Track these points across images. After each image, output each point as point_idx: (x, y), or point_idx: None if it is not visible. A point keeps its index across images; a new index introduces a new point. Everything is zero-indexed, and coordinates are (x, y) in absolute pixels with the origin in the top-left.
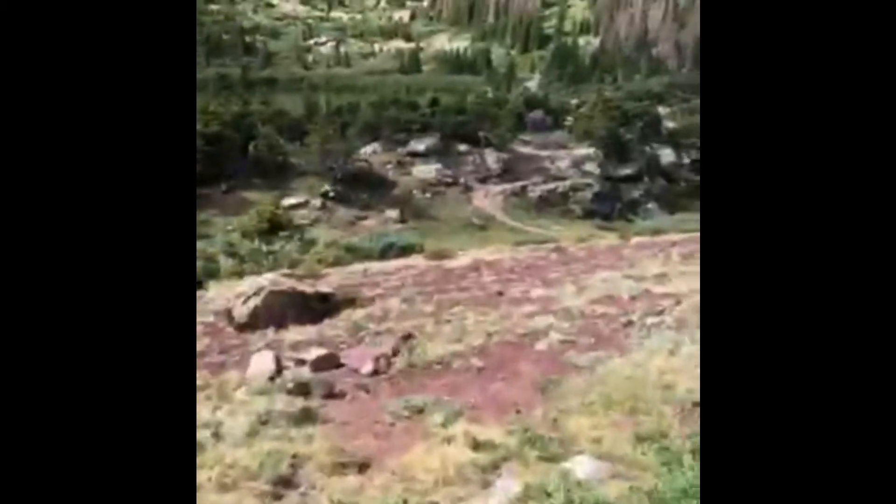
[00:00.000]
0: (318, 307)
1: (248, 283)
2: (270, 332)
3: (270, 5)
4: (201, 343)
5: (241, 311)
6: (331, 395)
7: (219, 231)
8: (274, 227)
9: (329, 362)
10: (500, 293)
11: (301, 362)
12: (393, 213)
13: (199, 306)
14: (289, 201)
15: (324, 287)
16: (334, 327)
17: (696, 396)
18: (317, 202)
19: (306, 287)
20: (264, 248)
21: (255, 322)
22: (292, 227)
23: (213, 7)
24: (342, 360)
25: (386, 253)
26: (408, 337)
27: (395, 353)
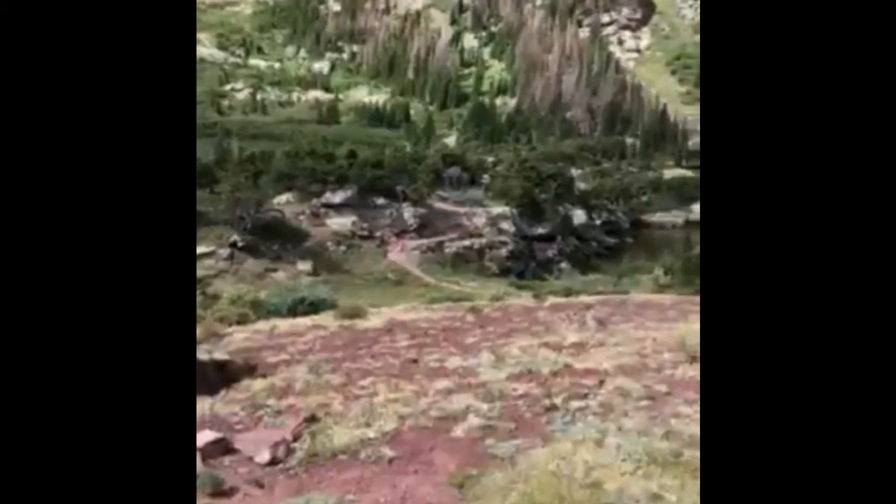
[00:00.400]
0: (214, 377)
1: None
2: None
3: None
4: None
5: None
6: (220, 492)
7: None
8: None
9: (221, 448)
10: (415, 360)
11: None
12: (305, 266)
13: None
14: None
15: (220, 353)
16: (231, 401)
17: (624, 499)
18: (224, 252)
19: (201, 354)
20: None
21: None
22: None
23: None
24: (236, 445)
25: (295, 309)
26: (311, 419)
27: (297, 437)
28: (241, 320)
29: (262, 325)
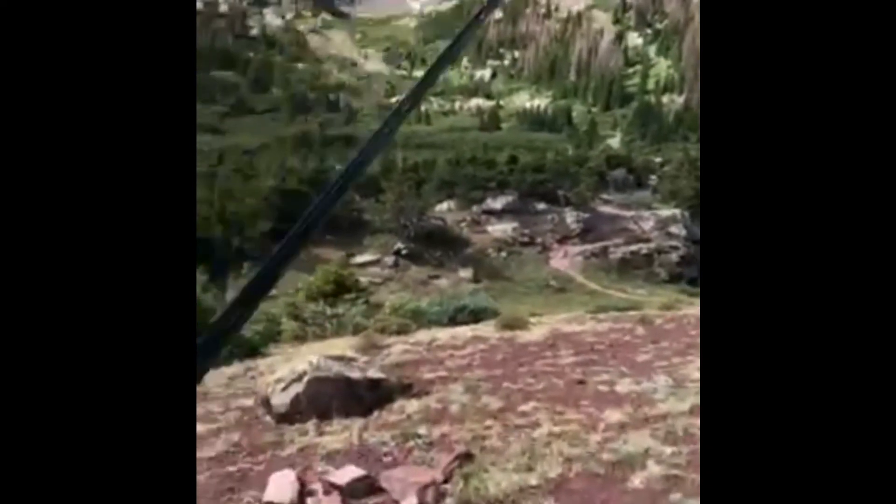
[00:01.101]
0: (367, 396)
1: (288, 368)
2: (311, 427)
3: (355, 64)
4: (231, 436)
5: (281, 400)
6: None
7: (290, 287)
8: (340, 289)
9: (365, 488)
10: (581, 382)
11: (331, 486)
12: (466, 273)
13: (244, 382)
14: (361, 259)
15: (374, 371)
16: (383, 426)
17: None
18: (389, 260)
19: (354, 373)
20: (328, 311)
21: (296, 412)
22: (358, 289)
23: (300, 66)
24: (382, 484)
25: (456, 318)
26: (465, 456)
27: (448, 478)
28: (402, 330)
29: (423, 335)
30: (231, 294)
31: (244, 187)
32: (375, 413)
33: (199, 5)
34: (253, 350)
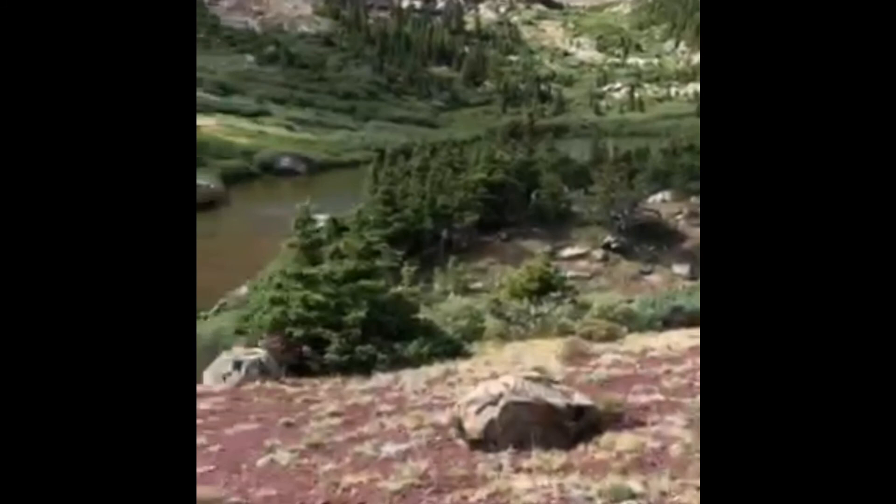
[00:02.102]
0: (571, 426)
1: (482, 388)
2: (507, 459)
3: (567, 54)
4: (420, 464)
5: (474, 424)
6: None
7: (496, 280)
8: (545, 286)
9: None
10: None
11: None
12: (682, 270)
13: (443, 388)
14: (569, 252)
15: (580, 397)
16: (589, 465)
17: None
18: (598, 254)
19: (556, 398)
20: (533, 309)
21: (490, 439)
22: (564, 287)
23: (512, 58)
24: None
25: (671, 320)
26: None
27: None
28: (611, 335)
29: (634, 342)
30: (437, 286)
31: (454, 180)
32: (580, 446)
33: (417, 4)
34: (455, 350)
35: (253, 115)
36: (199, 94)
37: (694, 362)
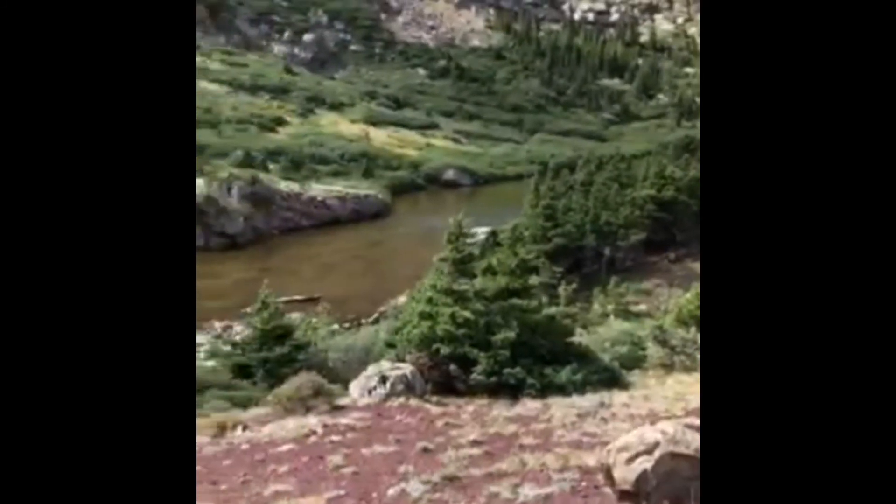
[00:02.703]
0: None
1: (637, 435)
2: None
3: None
4: None
5: (625, 474)
6: None
7: (661, 304)
8: None
9: None
10: None
11: None
12: None
13: (594, 424)
14: None
15: None
16: None
17: None
18: None
19: None
20: (699, 339)
21: (642, 492)
22: None
23: (689, 70)
24: None
25: None
26: None
27: None
28: None
29: None
30: (597, 307)
31: (620, 196)
32: None
33: (590, 16)
34: (611, 379)
35: (422, 128)
36: (373, 106)
37: None
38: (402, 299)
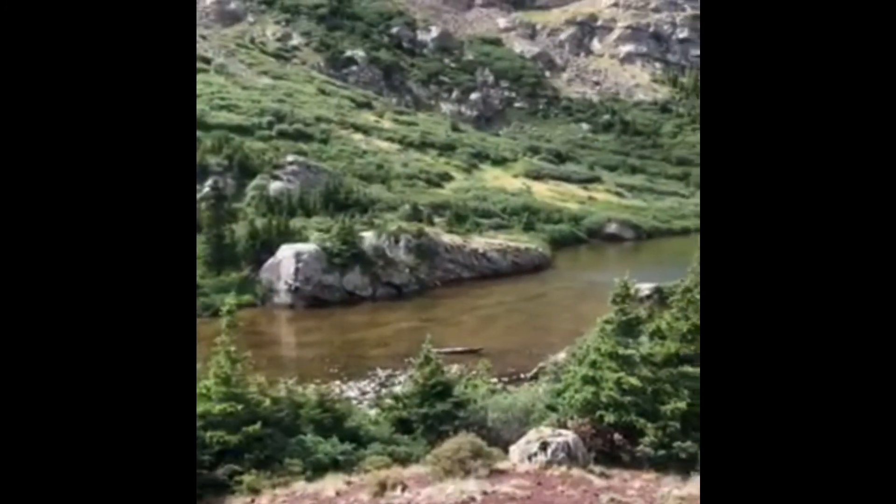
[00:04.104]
0: None
1: None
2: None
3: None
4: None
5: None
6: None
7: None
8: None
9: None
10: None
11: None
12: None
13: None
14: None
15: None
16: None
17: None
18: None
19: None
20: None
21: None
22: None
23: None
24: None
25: None
26: None
27: None
28: None
29: None
30: None
31: None
32: None
33: None
34: None
35: (584, 182)
36: (535, 161)
37: None
38: (561, 355)
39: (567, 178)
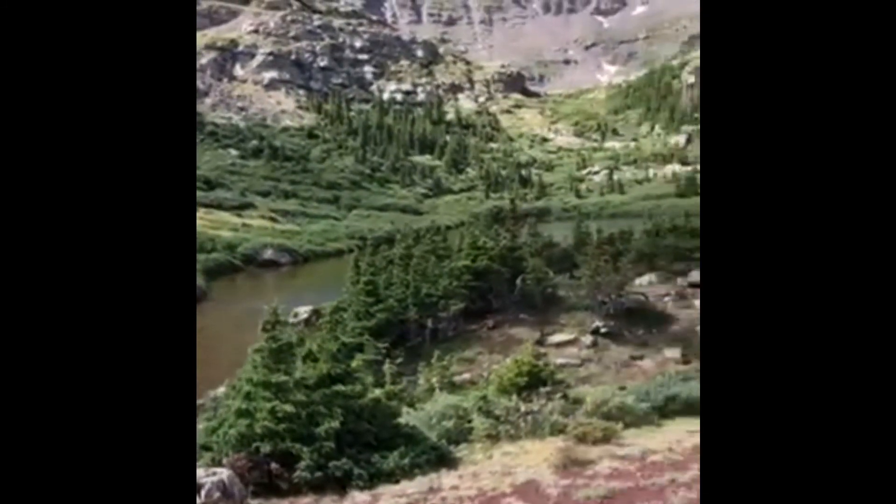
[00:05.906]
0: None
1: None
2: None
3: (546, 140)
4: None
5: None
6: None
7: (484, 371)
8: (534, 381)
9: None
10: None
11: None
12: (673, 353)
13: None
14: (557, 338)
15: None
16: None
17: None
18: (587, 340)
19: None
20: (522, 407)
21: None
22: (554, 381)
23: (493, 145)
24: None
25: (666, 408)
26: None
27: None
28: (607, 436)
29: (632, 443)
30: (423, 381)
31: (438, 268)
32: None
33: (398, 96)
34: (439, 457)
35: (237, 209)
36: None
37: (698, 468)
38: (221, 389)
39: (219, 206)
